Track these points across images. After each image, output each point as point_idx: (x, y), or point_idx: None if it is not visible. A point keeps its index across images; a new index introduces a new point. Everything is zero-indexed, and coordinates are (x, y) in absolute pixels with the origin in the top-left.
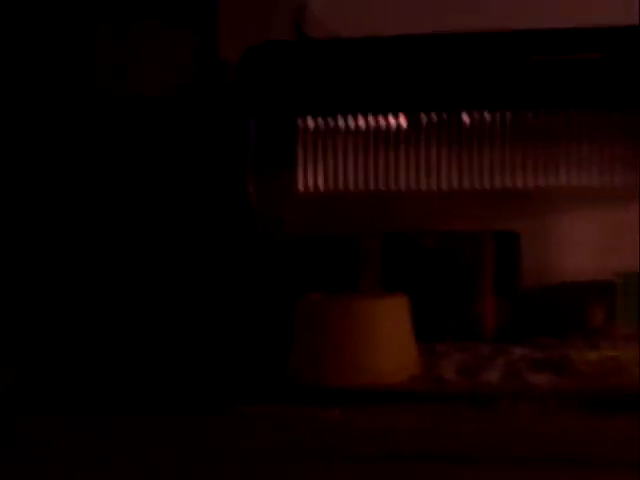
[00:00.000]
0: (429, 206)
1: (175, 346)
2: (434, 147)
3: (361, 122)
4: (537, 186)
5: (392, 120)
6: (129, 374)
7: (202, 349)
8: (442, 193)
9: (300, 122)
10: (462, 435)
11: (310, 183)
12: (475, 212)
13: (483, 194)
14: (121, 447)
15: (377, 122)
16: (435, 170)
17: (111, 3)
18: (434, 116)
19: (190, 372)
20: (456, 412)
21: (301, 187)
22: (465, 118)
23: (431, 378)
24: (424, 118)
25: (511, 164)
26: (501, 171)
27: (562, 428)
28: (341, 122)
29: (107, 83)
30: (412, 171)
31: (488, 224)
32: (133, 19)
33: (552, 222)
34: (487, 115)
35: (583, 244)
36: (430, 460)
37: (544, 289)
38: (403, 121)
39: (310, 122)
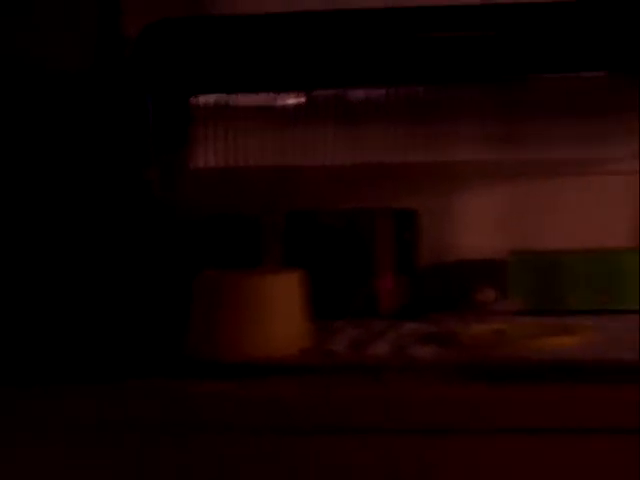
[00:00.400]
0: (329, 184)
1: (74, 321)
2: (329, 124)
3: (254, 99)
4: (432, 161)
5: (285, 97)
6: (25, 344)
7: (100, 324)
8: (343, 171)
9: (195, 100)
10: (346, 405)
11: (204, 161)
12: (375, 190)
13: (382, 173)
14: (8, 417)
15: (271, 99)
16: (330, 146)
17: None
18: (328, 92)
19: (87, 345)
20: (341, 383)
21: (196, 164)
22: (358, 94)
23: (321, 352)
24: (318, 94)
25: (406, 139)
26: (396, 146)
27: (440, 396)
28: (235, 99)
29: (5, 53)
30: (306, 148)
31: (387, 202)
32: None
33: (451, 200)
34: (381, 91)
35: (481, 222)
36: (316, 431)
37: (441, 267)
38: (296, 98)
39: (205, 99)
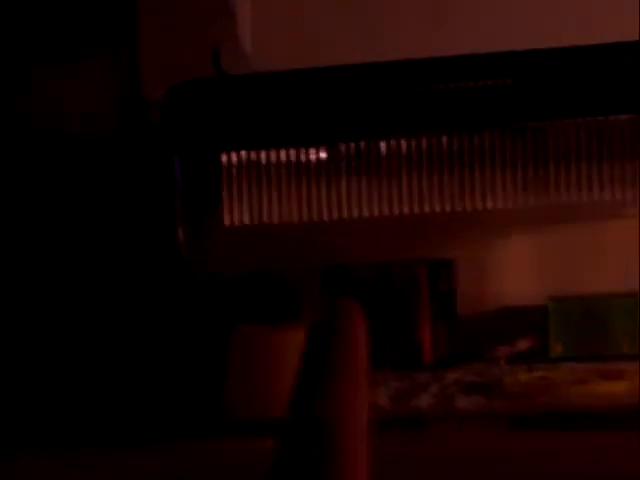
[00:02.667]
0: (364, 238)
1: (111, 384)
2: (357, 176)
3: (283, 155)
4: (464, 210)
5: (313, 152)
6: (59, 404)
7: (136, 387)
8: (376, 224)
9: (224, 158)
10: (396, 459)
11: (236, 218)
12: (410, 242)
13: (416, 223)
14: None
15: (298, 154)
16: (359, 200)
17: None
18: (354, 146)
19: (124, 408)
20: (388, 438)
21: (227, 222)
22: (384, 146)
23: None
24: (344, 148)
25: (438, 189)
26: (427, 197)
27: (490, 447)
28: (264, 156)
29: (35, 126)
30: (337, 202)
31: (423, 253)
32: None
33: (487, 247)
34: (405, 142)
35: (518, 269)
36: None
37: (480, 316)
38: (323, 152)
39: (233, 157)
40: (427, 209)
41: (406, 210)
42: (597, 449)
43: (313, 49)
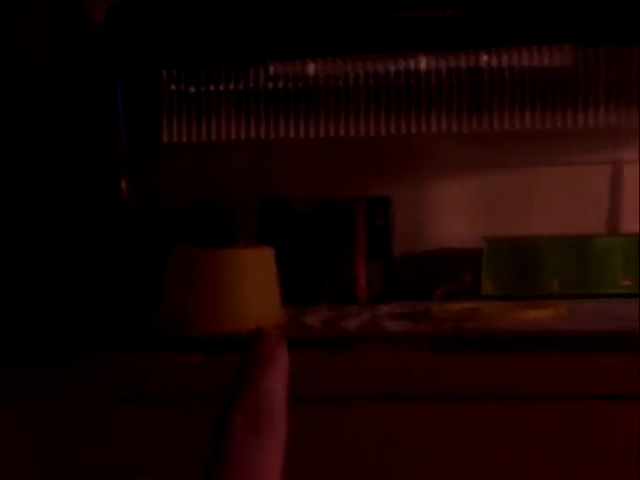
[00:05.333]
0: (305, 174)
1: (48, 301)
2: (295, 98)
3: (225, 75)
4: (408, 150)
5: (257, 72)
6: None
7: (72, 303)
8: (318, 163)
9: (165, 76)
10: (320, 376)
11: (176, 136)
12: (349, 180)
13: (357, 163)
14: None
15: (242, 75)
16: (296, 121)
17: None
18: (296, 68)
19: (58, 322)
20: (315, 354)
21: (166, 139)
22: (321, 69)
23: (294, 326)
24: (282, 69)
25: (374, 114)
26: (363, 121)
27: (411, 366)
28: (206, 75)
29: None
30: (273, 122)
31: (361, 191)
32: None
33: (425, 190)
34: (344, 65)
35: (456, 210)
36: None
37: (416, 254)
38: (262, 73)
39: (175, 76)
40: (362, 133)
41: (342, 132)
42: (516, 369)
43: None
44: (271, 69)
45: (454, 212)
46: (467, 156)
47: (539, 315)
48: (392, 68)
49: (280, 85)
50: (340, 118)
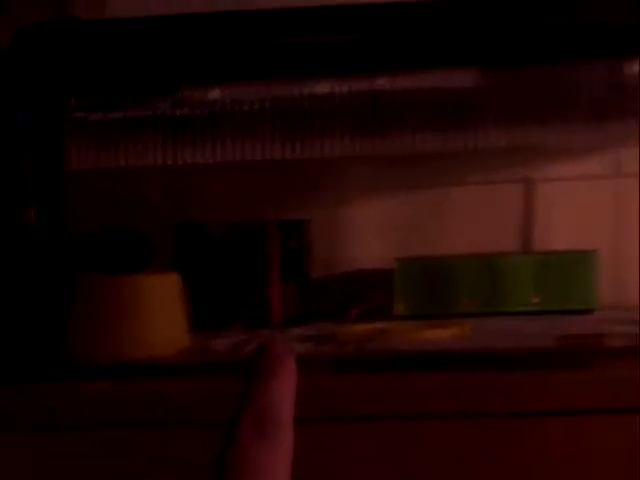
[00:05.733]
0: (221, 198)
1: None
2: (202, 124)
3: (134, 102)
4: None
5: (165, 99)
6: None
7: None
8: (233, 185)
9: (70, 105)
10: (222, 399)
11: (81, 163)
12: (264, 203)
13: (272, 186)
14: None
15: (144, 103)
16: (203, 146)
17: None
18: (200, 93)
19: None
20: (218, 379)
21: (73, 166)
22: (227, 94)
23: (199, 350)
24: (189, 95)
25: (280, 137)
26: (270, 144)
27: (311, 388)
28: (114, 103)
29: None
30: (180, 147)
31: (277, 214)
32: None
33: (341, 212)
34: (247, 90)
35: (370, 232)
36: (191, 424)
37: (333, 276)
38: (168, 100)
39: (80, 104)
40: (266, 156)
41: (248, 156)
42: (415, 388)
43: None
44: (179, 95)
45: (370, 234)
46: (381, 178)
47: (442, 334)
48: (295, 92)
49: (188, 111)
50: (246, 142)
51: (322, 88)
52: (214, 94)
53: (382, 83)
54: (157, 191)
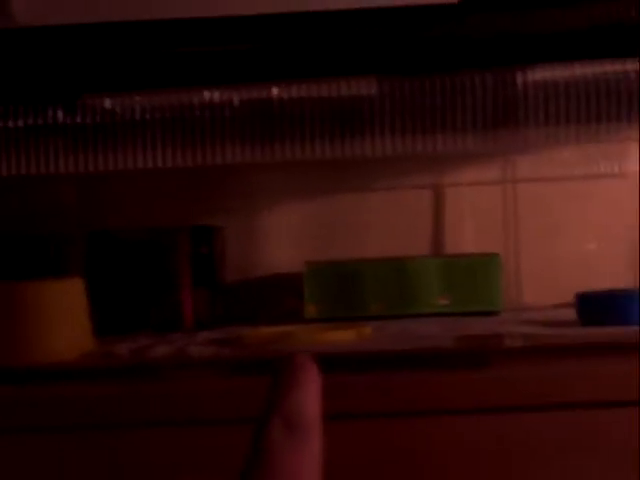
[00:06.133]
0: (133, 205)
1: None
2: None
3: (42, 110)
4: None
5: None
6: None
7: None
8: (145, 192)
9: None
10: (124, 402)
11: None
12: (176, 209)
13: (184, 192)
14: None
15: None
16: (105, 154)
17: None
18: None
19: None
20: (119, 382)
21: None
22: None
23: (102, 355)
24: (91, 104)
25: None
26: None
27: (215, 390)
28: (24, 110)
29: None
30: (82, 155)
31: (190, 220)
32: None
33: (255, 217)
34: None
35: (285, 237)
36: (91, 427)
37: (247, 281)
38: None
39: None
40: (169, 164)
41: (150, 164)
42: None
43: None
44: (80, 103)
45: (284, 239)
46: (294, 184)
47: (343, 336)
48: (194, 100)
49: (89, 119)
50: (147, 150)
51: (218, 96)
52: (114, 102)
53: (278, 91)
54: (71, 198)
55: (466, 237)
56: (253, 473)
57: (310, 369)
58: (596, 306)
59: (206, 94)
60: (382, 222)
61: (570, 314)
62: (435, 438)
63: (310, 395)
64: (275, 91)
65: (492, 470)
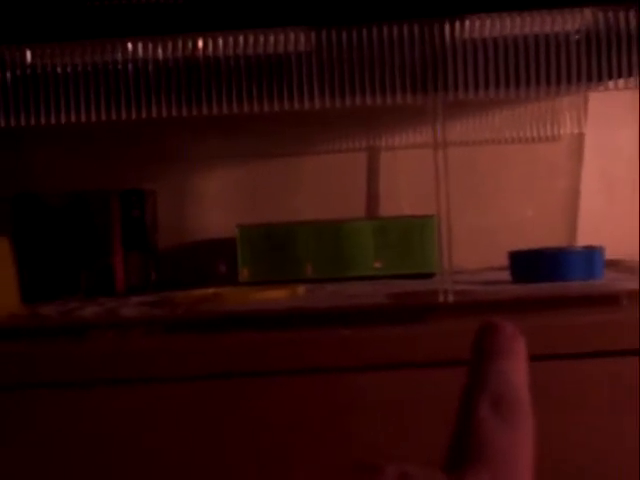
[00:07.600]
0: (63, 168)
1: None
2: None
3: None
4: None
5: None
6: None
7: None
8: (75, 154)
9: None
10: (51, 362)
11: None
12: (107, 172)
13: (121, 155)
14: None
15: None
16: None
17: None
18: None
19: None
20: (46, 343)
21: None
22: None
23: (29, 315)
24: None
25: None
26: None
27: (146, 348)
28: None
29: None
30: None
31: (121, 184)
32: None
33: (188, 181)
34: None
35: (220, 201)
36: (22, 387)
37: (179, 245)
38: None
39: None
40: (93, 118)
41: (74, 119)
42: (250, 348)
43: None
44: (1, 56)
45: (217, 203)
46: (228, 147)
47: (274, 295)
48: (114, 55)
49: (8, 73)
50: (71, 105)
51: (141, 49)
52: (34, 55)
53: (204, 45)
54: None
55: (401, 201)
56: (461, 458)
57: (518, 343)
58: (528, 263)
59: (129, 46)
60: (317, 186)
61: (504, 275)
62: (367, 393)
63: (520, 372)
64: (202, 45)
65: (427, 424)
